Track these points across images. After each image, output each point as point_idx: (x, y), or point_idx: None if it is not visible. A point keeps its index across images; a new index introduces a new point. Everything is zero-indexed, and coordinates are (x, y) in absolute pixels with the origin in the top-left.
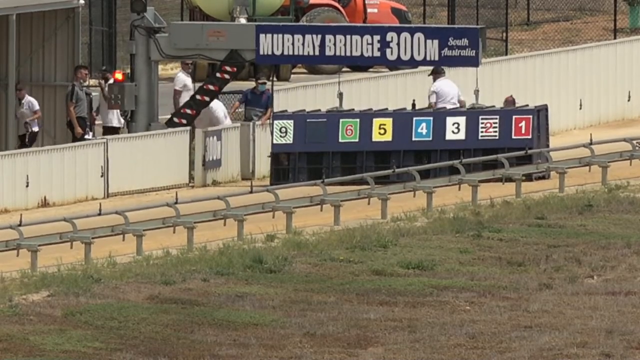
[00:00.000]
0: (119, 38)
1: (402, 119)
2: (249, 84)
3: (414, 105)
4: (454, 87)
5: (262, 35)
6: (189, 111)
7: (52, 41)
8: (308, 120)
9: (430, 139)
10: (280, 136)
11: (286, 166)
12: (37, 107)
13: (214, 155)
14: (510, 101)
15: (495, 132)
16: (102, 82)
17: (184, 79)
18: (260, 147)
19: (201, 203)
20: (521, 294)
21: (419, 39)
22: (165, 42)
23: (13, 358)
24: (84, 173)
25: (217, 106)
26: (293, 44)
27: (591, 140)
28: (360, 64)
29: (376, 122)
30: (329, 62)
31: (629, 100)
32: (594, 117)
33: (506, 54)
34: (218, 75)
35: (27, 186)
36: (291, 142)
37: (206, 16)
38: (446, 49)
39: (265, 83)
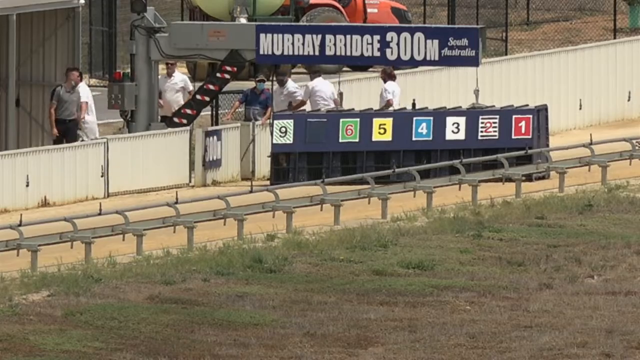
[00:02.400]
0: (119, 38)
1: (402, 118)
2: (249, 84)
3: (414, 105)
4: (330, 86)
5: (262, 35)
6: (189, 111)
7: (52, 41)
8: (308, 120)
9: (430, 138)
10: (280, 136)
11: (286, 166)
12: (85, 98)
13: (214, 155)
14: (389, 73)
15: (495, 132)
16: None
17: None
18: (260, 147)
19: (201, 203)
20: (521, 294)
21: (419, 39)
22: (166, 42)
23: (13, 358)
24: (84, 173)
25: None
26: (293, 44)
27: (591, 140)
28: (360, 64)
29: (376, 122)
30: (329, 62)
31: (629, 100)
32: (594, 117)
33: (506, 54)
34: (218, 75)
35: (27, 186)
36: (291, 142)
37: (206, 16)
38: (446, 48)
39: (263, 82)
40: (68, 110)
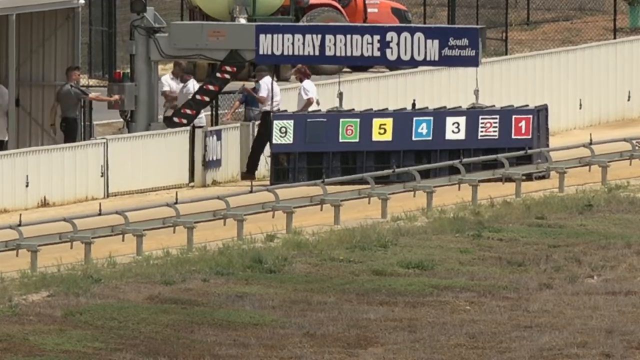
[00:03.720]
0: (119, 38)
1: (402, 119)
2: (249, 84)
3: (414, 105)
4: (275, 84)
5: (262, 35)
6: (189, 111)
7: (52, 41)
8: (308, 120)
9: (430, 138)
10: (280, 136)
11: (286, 166)
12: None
13: (214, 155)
14: (304, 72)
15: (495, 131)
16: None
17: (169, 82)
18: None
19: (201, 203)
20: (521, 294)
21: (419, 39)
22: (165, 42)
23: (13, 358)
24: (84, 173)
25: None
26: (293, 44)
27: (591, 140)
28: (360, 64)
29: (376, 122)
30: (329, 62)
31: (629, 100)
32: (594, 117)
33: (506, 54)
34: (218, 75)
35: (27, 186)
36: (291, 142)
37: (206, 16)
38: (446, 48)
39: None
40: (74, 108)
